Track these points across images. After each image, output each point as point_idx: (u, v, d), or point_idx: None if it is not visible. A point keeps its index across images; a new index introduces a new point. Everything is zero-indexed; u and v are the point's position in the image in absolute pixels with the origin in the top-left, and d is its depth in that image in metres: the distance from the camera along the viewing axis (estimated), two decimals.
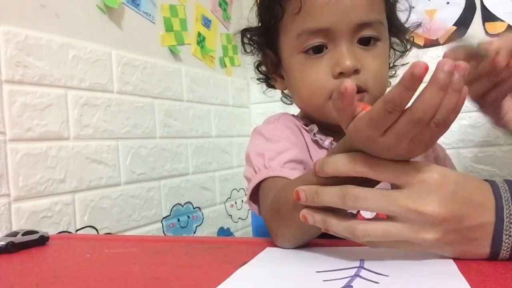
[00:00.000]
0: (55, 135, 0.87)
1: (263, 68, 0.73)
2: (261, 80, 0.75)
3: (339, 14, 0.56)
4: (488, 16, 1.38)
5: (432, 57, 1.45)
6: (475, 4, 1.40)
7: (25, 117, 0.81)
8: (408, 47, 0.70)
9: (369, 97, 0.59)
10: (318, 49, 0.59)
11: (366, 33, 0.58)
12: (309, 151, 0.64)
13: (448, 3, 1.43)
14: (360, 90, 0.58)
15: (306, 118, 0.68)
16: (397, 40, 0.68)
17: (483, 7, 1.39)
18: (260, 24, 0.68)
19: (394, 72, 0.71)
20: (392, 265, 0.39)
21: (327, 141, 0.64)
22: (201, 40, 1.42)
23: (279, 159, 0.58)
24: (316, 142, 0.64)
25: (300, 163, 0.60)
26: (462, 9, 1.41)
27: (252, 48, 0.70)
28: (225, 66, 1.56)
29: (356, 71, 0.57)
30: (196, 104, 1.36)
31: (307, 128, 0.66)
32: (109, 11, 1.04)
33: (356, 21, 0.57)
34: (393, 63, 0.70)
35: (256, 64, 0.74)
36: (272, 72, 0.70)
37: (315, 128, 0.65)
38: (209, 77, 1.44)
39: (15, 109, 0.80)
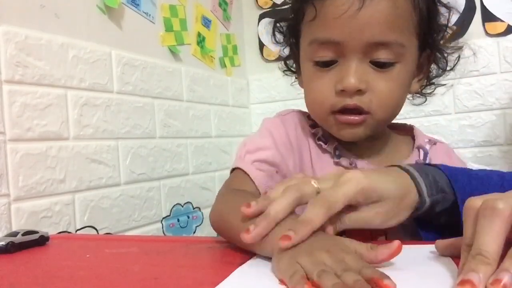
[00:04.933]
0: (55, 135, 0.87)
1: (293, 64, 0.72)
2: (287, 73, 0.73)
3: (351, 30, 0.53)
4: (488, 16, 1.38)
5: None
6: (475, 4, 1.40)
7: (25, 117, 0.81)
8: (449, 68, 0.65)
9: (371, 120, 0.57)
10: (329, 62, 0.57)
11: (381, 56, 0.54)
12: (310, 153, 0.64)
13: (448, 3, 1.43)
14: (361, 111, 0.56)
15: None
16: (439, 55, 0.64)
17: (483, 7, 1.39)
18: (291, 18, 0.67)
19: (432, 91, 0.67)
20: (392, 265, 0.39)
21: (331, 147, 0.63)
22: (201, 40, 1.42)
23: (255, 155, 0.61)
24: (319, 146, 0.64)
25: (272, 165, 0.61)
26: (462, 9, 1.41)
27: (283, 39, 0.69)
28: (225, 66, 1.56)
29: (359, 91, 0.55)
30: (196, 104, 1.36)
31: (313, 131, 0.65)
32: (109, 11, 1.04)
33: (369, 40, 0.53)
34: (428, 81, 0.66)
35: (285, 57, 0.72)
36: (296, 69, 0.69)
37: (319, 132, 0.64)
38: (209, 77, 1.44)
39: (15, 109, 0.80)
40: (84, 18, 0.97)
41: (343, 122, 0.57)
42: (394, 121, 0.68)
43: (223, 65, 1.55)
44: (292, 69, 0.72)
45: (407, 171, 0.47)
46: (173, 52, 1.28)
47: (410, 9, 0.55)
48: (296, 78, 0.71)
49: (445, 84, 0.67)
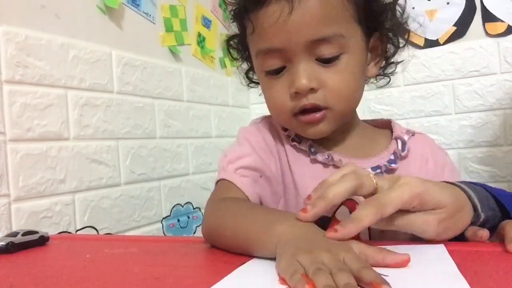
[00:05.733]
0: (55, 135, 0.87)
1: (253, 75, 0.73)
2: (252, 86, 0.74)
3: (288, 34, 0.54)
4: (488, 17, 1.38)
5: (432, 57, 1.45)
6: (475, 4, 1.40)
7: (25, 117, 0.81)
8: (401, 45, 0.65)
9: (331, 114, 0.58)
10: (277, 71, 0.58)
11: (324, 51, 0.55)
12: (287, 155, 0.65)
13: (448, 3, 1.43)
14: (319, 108, 0.57)
15: None
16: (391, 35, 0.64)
17: (483, 7, 1.39)
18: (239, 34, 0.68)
19: (394, 69, 0.68)
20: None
21: (305, 145, 0.64)
22: (201, 41, 1.42)
23: (237, 164, 0.62)
24: (294, 146, 0.65)
25: (255, 170, 0.62)
26: (462, 9, 1.41)
27: (239, 55, 0.70)
28: (225, 66, 1.56)
29: (312, 90, 0.56)
30: (196, 104, 1.36)
31: (286, 133, 0.66)
32: (109, 11, 1.04)
33: (307, 39, 0.54)
34: (387, 62, 0.66)
35: (245, 71, 0.73)
36: (258, 78, 0.70)
37: (292, 133, 0.65)
38: (209, 77, 1.44)
39: (15, 109, 0.80)
40: (84, 18, 0.98)
41: (305, 122, 0.59)
42: (374, 117, 0.70)
43: (223, 65, 1.55)
44: (255, 80, 0.72)
45: (458, 186, 0.47)
46: (173, 52, 1.28)
47: None
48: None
49: (402, 61, 0.67)
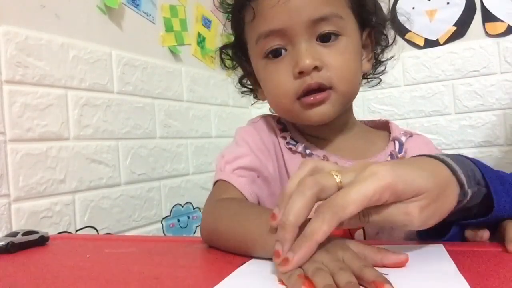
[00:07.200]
0: (55, 135, 0.87)
1: (246, 81, 0.73)
2: (246, 93, 0.74)
3: (289, 14, 0.56)
4: (488, 17, 1.38)
5: (432, 57, 1.45)
6: (475, 4, 1.40)
7: (25, 117, 0.82)
8: (391, 41, 0.67)
9: (335, 95, 0.58)
10: (278, 53, 0.59)
11: (324, 28, 0.56)
12: (283, 155, 0.65)
13: (448, 3, 1.43)
14: (323, 87, 0.57)
15: (283, 122, 0.68)
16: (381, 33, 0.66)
17: (483, 7, 1.39)
18: (233, 38, 0.69)
19: (384, 68, 0.69)
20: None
21: (301, 147, 0.64)
22: (201, 41, 1.42)
23: (234, 164, 0.62)
24: (290, 149, 0.65)
25: (253, 170, 0.62)
26: (462, 9, 1.41)
27: (233, 63, 0.71)
28: None
29: (316, 68, 0.56)
30: (196, 104, 1.36)
31: (281, 134, 0.66)
32: (109, 11, 1.04)
33: (308, 18, 0.56)
34: (377, 61, 0.67)
35: (238, 78, 0.73)
36: (252, 83, 0.71)
37: (287, 136, 0.65)
38: (209, 77, 1.44)
39: (15, 110, 0.80)
40: (84, 19, 0.98)
41: (309, 103, 0.58)
42: (371, 118, 0.70)
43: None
44: (249, 86, 0.72)
45: (441, 160, 0.41)
46: (173, 53, 1.28)
47: None
48: (254, 97, 0.73)
49: (393, 57, 0.68)
